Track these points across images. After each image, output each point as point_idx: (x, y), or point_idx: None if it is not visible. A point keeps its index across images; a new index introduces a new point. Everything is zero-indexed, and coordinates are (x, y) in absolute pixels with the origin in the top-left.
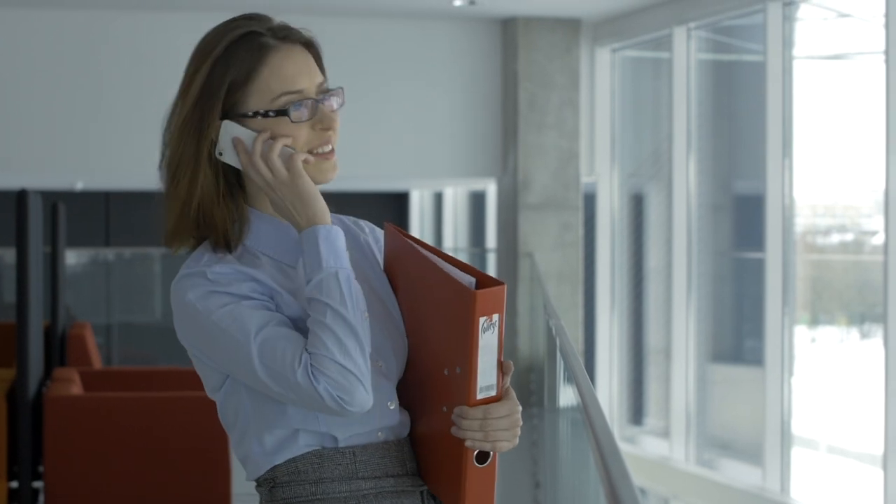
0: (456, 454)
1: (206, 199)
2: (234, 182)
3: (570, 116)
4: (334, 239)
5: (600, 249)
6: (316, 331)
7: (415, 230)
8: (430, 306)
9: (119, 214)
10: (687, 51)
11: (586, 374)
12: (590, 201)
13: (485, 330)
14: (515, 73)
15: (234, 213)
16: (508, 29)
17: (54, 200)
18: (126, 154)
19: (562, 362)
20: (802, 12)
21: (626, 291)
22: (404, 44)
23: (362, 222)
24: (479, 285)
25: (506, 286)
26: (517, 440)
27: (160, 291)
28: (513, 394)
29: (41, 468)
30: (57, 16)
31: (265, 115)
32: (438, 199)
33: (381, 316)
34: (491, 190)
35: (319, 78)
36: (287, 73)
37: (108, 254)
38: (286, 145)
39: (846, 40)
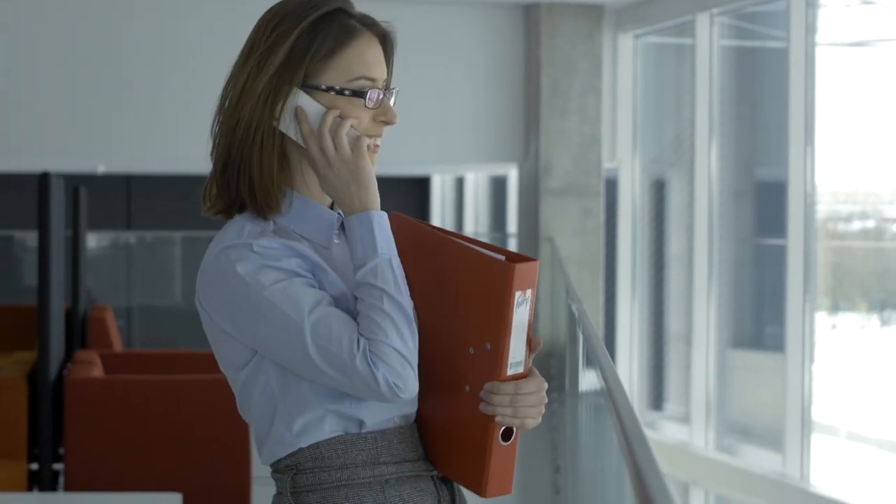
0: (480, 433)
1: (266, 167)
2: (281, 156)
3: (593, 102)
4: (386, 225)
5: (621, 235)
6: (373, 316)
7: (436, 215)
8: (453, 287)
9: (140, 198)
10: (710, 37)
11: (609, 357)
12: (611, 187)
13: (519, 305)
14: (538, 58)
15: (279, 188)
16: (531, 14)
17: (76, 184)
18: (148, 137)
19: (583, 347)
20: None
21: (647, 277)
22: (427, 29)
23: None
24: (509, 261)
25: (539, 262)
26: (541, 418)
27: (181, 275)
28: (537, 371)
29: (62, 450)
30: None
31: (340, 92)
32: (460, 183)
33: None
34: (512, 175)
35: (386, 74)
36: (368, 58)
37: (130, 237)
38: (354, 126)
39: (869, 27)
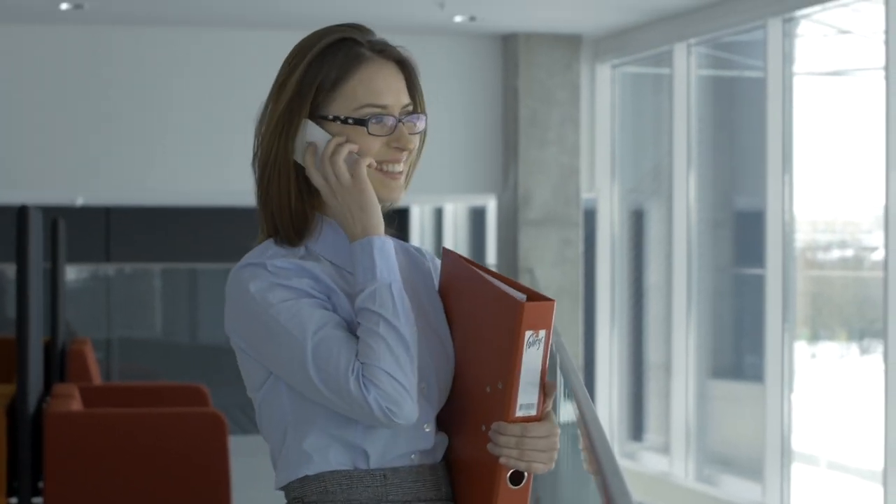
0: (490, 474)
1: (285, 198)
2: (306, 185)
3: (571, 132)
4: (389, 251)
5: (600, 265)
6: (368, 340)
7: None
8: (479, 322)
9: (119, 230)
10: (687, 67)
11: (586, 390)
12: (590, 217)
13: (530, 345)
14: (516, 89)
15: (304, 216)
16: (509, 45)
17: (55, 216)
18: (126, 169)
19: (562, 378)
20: (802, 28)
21: (627, 307)
22: None
23: (424, 250)
24: (529, 301)
25: (555, 303)
26: (553, 464)
27: (160, 306)
28: (553, 417)
29: (41, 484)
30: (58, 31)
31: (344, 121)
32: (439, 214)
33: (430, 340)
34: (491, 206)
35: (406, 100)
36: (375, 86)
37: (109, 269)
38: (353, 151)
39: (846, 56)
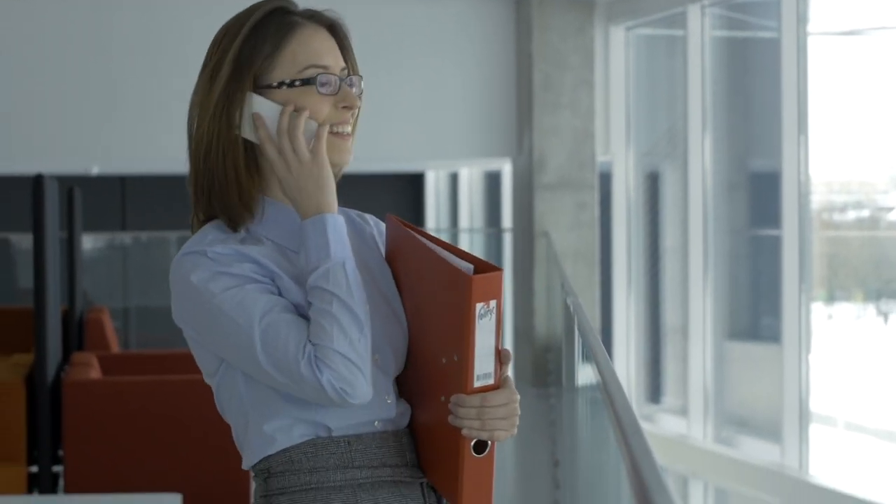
0: (453, 444)
1: (233, 178)
2: (251, 163)
3: (585, 96)
4: (341, 228)
5: (616, 229)
6: (320, 321)
7: (430, 211)
8: (430, 294)
9: (135, 198)
10: (701, 28)
11: (605, 350)
12: (605, 181)
13: (481, 316)
14: (529, 53)
15: (249, 195)
16: (522, 8)
17: (70, 185)
18: (141, 138)
19: (580, 341)
20: None
21: (643, 270)
22: (418, 24)
23: (367, 216)
24: (477, 272)
25: (503, 272)
26: (515, 430)
27: None
28: (511, 383)
29: (61, 452)
30: None
31: (291, 84)
32: (454, 179)
33: (381, 309)
34: (506, 170)
35: (342, 63)
36: (315, 47)
37: (125, 238)
38: (310, 118)
39: (861, 16)
